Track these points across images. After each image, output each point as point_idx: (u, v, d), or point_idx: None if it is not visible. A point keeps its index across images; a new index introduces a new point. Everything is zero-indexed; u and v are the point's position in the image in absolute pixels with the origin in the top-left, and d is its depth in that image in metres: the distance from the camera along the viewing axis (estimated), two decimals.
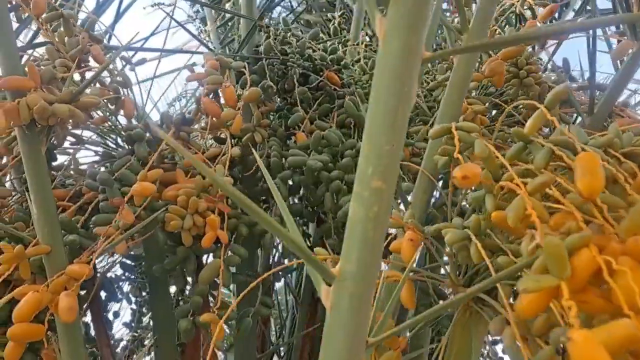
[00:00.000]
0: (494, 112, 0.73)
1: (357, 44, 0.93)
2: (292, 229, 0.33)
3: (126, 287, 1.01)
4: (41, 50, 0.73)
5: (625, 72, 0.62)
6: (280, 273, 0.89)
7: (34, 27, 0.81)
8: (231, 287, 0.91)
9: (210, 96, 0.67)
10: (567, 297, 0.24)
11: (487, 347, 1.09)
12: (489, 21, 0.48)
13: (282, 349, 0.98)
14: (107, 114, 0.69)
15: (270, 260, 0.90)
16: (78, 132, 0.70)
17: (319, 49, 0.79)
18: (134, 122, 0.70)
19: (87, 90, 0.59)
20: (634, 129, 0.47)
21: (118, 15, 0.87)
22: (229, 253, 0.60)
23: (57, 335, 0.55)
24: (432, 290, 0.61)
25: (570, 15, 0.98)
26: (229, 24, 1.42)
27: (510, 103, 0.69)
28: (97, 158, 0.73)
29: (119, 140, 0.72)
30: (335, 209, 0.65)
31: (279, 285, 1.22)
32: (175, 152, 0.69)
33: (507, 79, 0.62)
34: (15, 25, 0.67)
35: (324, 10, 1.32)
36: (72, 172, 0.73)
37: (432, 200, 0.58)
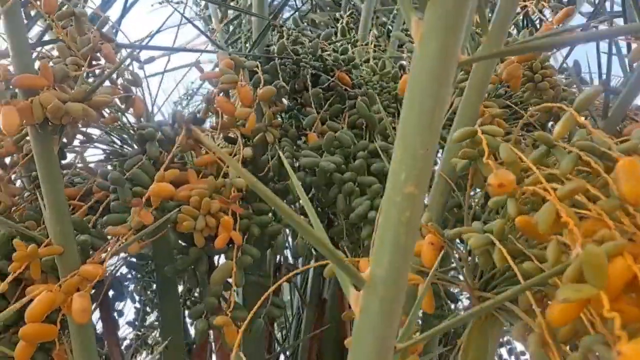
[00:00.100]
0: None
1: (366, 44, 0.93)
2: (318, 229, 0.33)
3: (130, 286, 1.00)
4: (47, 48, 0.72)
5: None
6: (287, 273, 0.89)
7: (40, 23, 0.81)
8: None
9: (217, 96, 0.67)
10: (607, 307, 0.24)
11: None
12: (509, 22, 0.47)
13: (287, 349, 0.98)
14: (117, 112, 0.68)
15: (279, 260, 0.90)
16: (84, 130, 0.70)
17: (330, 49, 0.79)
18: (142, 121, 0.69)
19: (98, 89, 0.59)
20: None
21: (125, 10, 0.87)
22: (240, 254, 0.60)
23: (68, 335, 0.55)
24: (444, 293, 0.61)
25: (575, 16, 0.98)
26: (234, 22, 1.41)
27: (520, 105, 0.69)
28: (102, 156, 0.73)
29: (125, 137, 0.71)
30: (347, 210, 0.65)
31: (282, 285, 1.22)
32: (184, 151, 0.68)
33: (522, 83, 0.62)
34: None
35: (329, 9, 1.31)
36: (80, 170, 0.72)
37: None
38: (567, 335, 0.34)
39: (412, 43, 0.92)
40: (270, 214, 0.68)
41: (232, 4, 1.32)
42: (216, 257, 0.69)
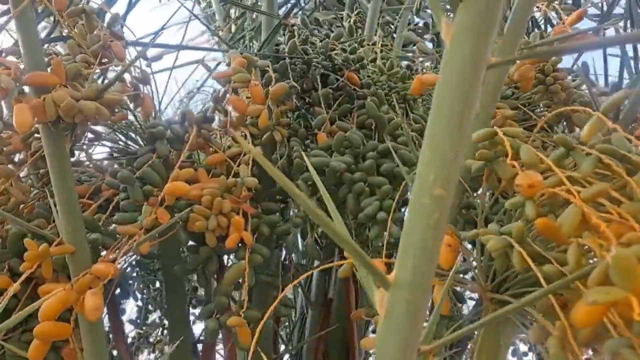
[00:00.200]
0: None
1: (374, 44, 0.92)
2: (341, 229, 0.33)
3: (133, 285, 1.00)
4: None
5: None
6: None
7: (46, 21, 0.80)
8: None
9: (229, 94, 0.67)
10: (637, 310, 0.24)
11: None
12: (525, 24, 0.47)
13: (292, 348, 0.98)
14: (126, 110, 0.68)
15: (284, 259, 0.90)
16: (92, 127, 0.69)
17: (338, 49, 0.79)
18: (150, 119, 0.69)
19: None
20: None
21: (129, 7, 0.86)
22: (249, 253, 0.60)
23: (78, 334, 0.55)
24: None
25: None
26: (238, 21, 1.41)
27: (528, 107, 0.69)
28: (106, 153, 0.72)
29: (130, 135, 0.71)
30: (357, 210, 0.65)
31: None
32: (192, 150, 0.68)
33: (533, 85, 0.62)
34: None
35: (334, 8, 1.31)
36: (88, 167, 0.72)
37: None
38: (587, 338, 0.34)
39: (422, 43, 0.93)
40: (278, 214, 0.68)
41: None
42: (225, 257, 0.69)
